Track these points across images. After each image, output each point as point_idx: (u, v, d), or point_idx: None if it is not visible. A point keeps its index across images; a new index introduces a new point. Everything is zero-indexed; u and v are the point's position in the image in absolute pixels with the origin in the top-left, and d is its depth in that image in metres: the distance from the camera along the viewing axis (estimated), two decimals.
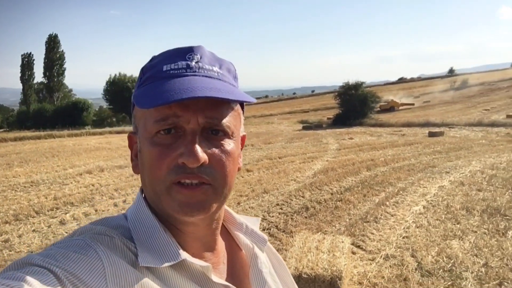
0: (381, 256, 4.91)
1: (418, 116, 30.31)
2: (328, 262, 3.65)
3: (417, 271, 4.46)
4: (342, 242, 4.20)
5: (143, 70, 0.70)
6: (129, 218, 0.71)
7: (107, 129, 29.10)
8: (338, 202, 7.29)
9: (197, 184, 0.63)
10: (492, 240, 5.26)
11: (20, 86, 53.42)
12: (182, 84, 0.61)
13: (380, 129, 24.79)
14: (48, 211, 7.25)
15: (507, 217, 6.10)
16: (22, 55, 52.91)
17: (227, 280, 0.72)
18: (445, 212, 6.50)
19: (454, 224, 5.93)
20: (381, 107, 35.93)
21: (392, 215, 6.50)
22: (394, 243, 5.31)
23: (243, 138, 0.77)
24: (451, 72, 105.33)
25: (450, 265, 4.55)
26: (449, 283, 4.15)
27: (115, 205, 7.64)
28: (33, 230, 6.30)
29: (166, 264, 0.63)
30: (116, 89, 38.51)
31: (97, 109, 47.94)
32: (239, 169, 0.74)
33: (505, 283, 4.09)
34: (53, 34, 52.01)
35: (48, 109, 39.89)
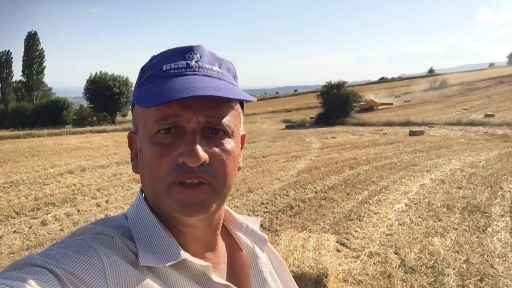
0: (365, 254, 4.97)
1: (399, 115, 30.69)
2: (314, 260, 3.68)
3: (400, 268, 4.53)
4: (328, 240, 4.24)
5: (143, 70, 0.70)
6: (130, 218, 0.71)
7: (88, 128, 28.62)
8: (322, 201, 7.35)
9: (197, 184, 0.63)
10: (473, 236, 5.37)
11: None
12: (183, 84, 0.61)
13: (361, 128, 25.03)
14: (29, 211, 7.11)
15: (487, 214, 6.25)
16: (0, 53, 51.78)
17: (227, 279, 0.72)
18: (427, 210, 6.61)
19: (436, 222, 6.04)
20: (361, 107, 36.25)
21: (375, 213, 6.58)
22: (377, 241, 5.38)
23: (243, 137, 0.77)
24: (431, 72, 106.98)
25: (432, 261, 4.64)
26: (432, 279, 4.23)
27: (98, 205, 7.55)
28: (14, 231, 6.18)
29: (167, 264, 0.63)
30: (97, 87, 37.96)
31: (77, 108, 47.17)
32: (239, 168, 0.74)
33: (486, 279, 4.19)
34: (32, 32, 51.00)
35: (27, 108, 39.09)
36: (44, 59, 52.03)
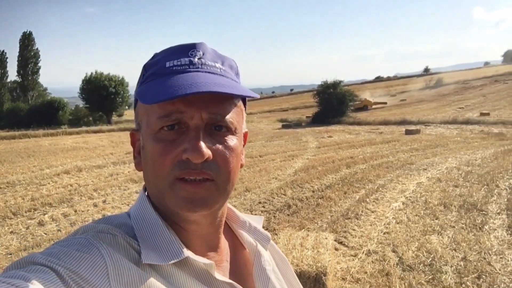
0: (363, 252, 4.98)
1: (395, 114, 30.78)
2: (312, 258, 3.69)
3: (398, 266, 4.55)
4: (326, 238, 4.25)
5: (146, 67, 0.70)
6: (132, 216, 0.70)
7: (84, 128, 28.46)
8: (319, 200, 7.37)
9: (200, 180, 0.63)
10: (470, 234, 5.40)
11: None
12: (186, 80, 0.61)
13: (358, 127, 25.07)
14: (25, 212, 7.09)
15: (483, 212, 6.28)
16: None
17: (230, 277, 0.71)
18: (424, 208, 6.64)
19: (433, 220, 6.07)
20: (355, 106, 36.29)
21: (372, 212, 6.60)
22: (375, 239, 5.40)
23: (245, 135, 0.77)
24: (427, 71, 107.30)
25: (430, 259, 4.66)
26: (430, 277, 4.25)
27: (95, 205, 7.53)
28: (11, 232, 6.16)
29: (169, 262, 0.63)
30: (93, 87, 37.74)
31: (73, 108, 46.93)
32: (241, 165, 0.74)
33: (483, 276, 4.21)
34: (28, 32, 50.74)
35: (22, 108, 38.89)
36: (39, 59, 51.81)
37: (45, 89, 59.69)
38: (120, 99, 39.70)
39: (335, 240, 5.25)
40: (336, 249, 5.06)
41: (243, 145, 0.76)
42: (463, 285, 4.05)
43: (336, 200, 7.34)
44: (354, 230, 5.80)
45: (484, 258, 4.64)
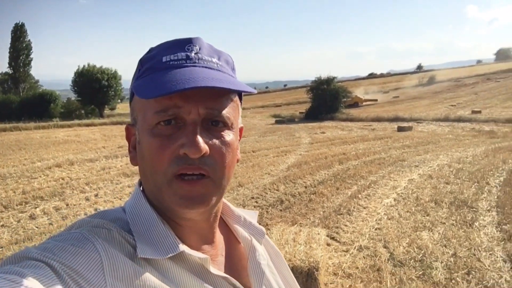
0: (354, 248, 5.02)
1: (387, 111, 30.90)
2: (305, 253, 3.71)
3: (389, 262, 4.59)
4: (318, 234, 4.27)
5: (142, 61, 0.70)
6: (127, 210, 0.70)
7: (76, 121, 28.24)
8: (312, 195, 7.40)
9: (198, 177, 0.63)
10: (460, 231, 5.46)
11: None
12: (183, 75, 0.61)
13: (350, 123, 25.17)
14: (16, 205, 7.04)
15: (474, 209, 6.35)
16: None
17: (225, 272, 0.72)
18: (415, 205, 6.70)
19: (424, 216, 6.12)
20: (345, 103, 36.39)
21: (364, 208, 6.65)
22: (367, 235, 5.44)
23: (240, 130, 0.77)
24: (420, 68, 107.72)
25: (420, 255, 4.70)
26: (420, 272, 4.30)
27: (87, 199, 7.50)
28: (2, 225, 6.12)
29: (165, 256, 0.63)
30: (85, 80, 37.35)
31: (65, 101, 46.45)
32: (237, 160, 0.74)
33: (473, 272, 4.26)
34: (20, 23, 50.12)
35: (13, 100, 38.42)
36: (31, 51, 51.20)
37: (37, 81, 59.06)
38: (113, 93, 39.38)
39: (327, 236, 5.28)
40: (328, 245, 5.09)
41: (239, 140, 0.76)
42: (453, 281, 4.10)
43: (328, 196, 7.37)
44: (346, 225, 5.83)
45: (474, 255, 4.69)
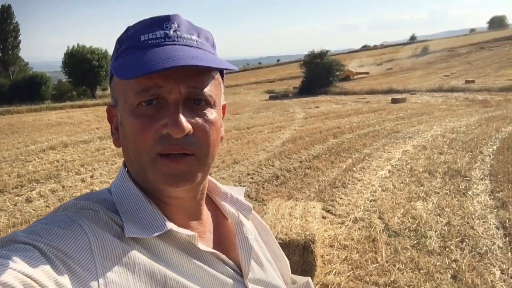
0: (350, 220, 5.08)
1: (381, 83, 30.84)
2: (301, 227, 3.75)
3: (384, 232, 4.66)
4: (314, 207, 4.31)
5: (119, 41, 0.68)
6: (113, 191, 0.70)
7: (68, 103, 27.96)
8: (307, 170, 7.44)
9: (182, 155, 0.63)
10: (454, 200, 5.53)
11: None
12: (163, 54, 0.60)
13: (344, 97, 25.12)
14: (12, 189, 7.04)
15: (467, 178, 6.41)
16: None
17: (214, 248, 0.72)
18: (409, 176, 6.76)
19: (418, 187, 6.19)
20: (337, 77, 36.29)
21: (359, 180, 6.70)
22: (362, 207, 5.50)
23: (223, 107, 0.77)
24: (413, 39, 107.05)
25: (415, 225, 4.77)
26: (415, 242, 4.37)
27: (83, 180, 7.51)
28: None
29: (153, 235, 0.63)
30: (75, 61, 36.80)
31: (56, 83, 45.87)
32: (222, 138, 0.74)
33: (466, 240, 4.34)
34: (6, 5, 49.02)
35: (3, 84, 37.91)
36: (19, 33, 50.27)
37: (26, 63, 58.22)
38: (104, 73, 38.86)
39: (323, 209, 5.33)
40: (324, 218, 5.15)
41: (222, 118, 0.75)
42: (447, 249, 4.17)
43: (323, 170, 7.42)
44: (341, 198, 5.89)
45: (467, 223, 4.77)
